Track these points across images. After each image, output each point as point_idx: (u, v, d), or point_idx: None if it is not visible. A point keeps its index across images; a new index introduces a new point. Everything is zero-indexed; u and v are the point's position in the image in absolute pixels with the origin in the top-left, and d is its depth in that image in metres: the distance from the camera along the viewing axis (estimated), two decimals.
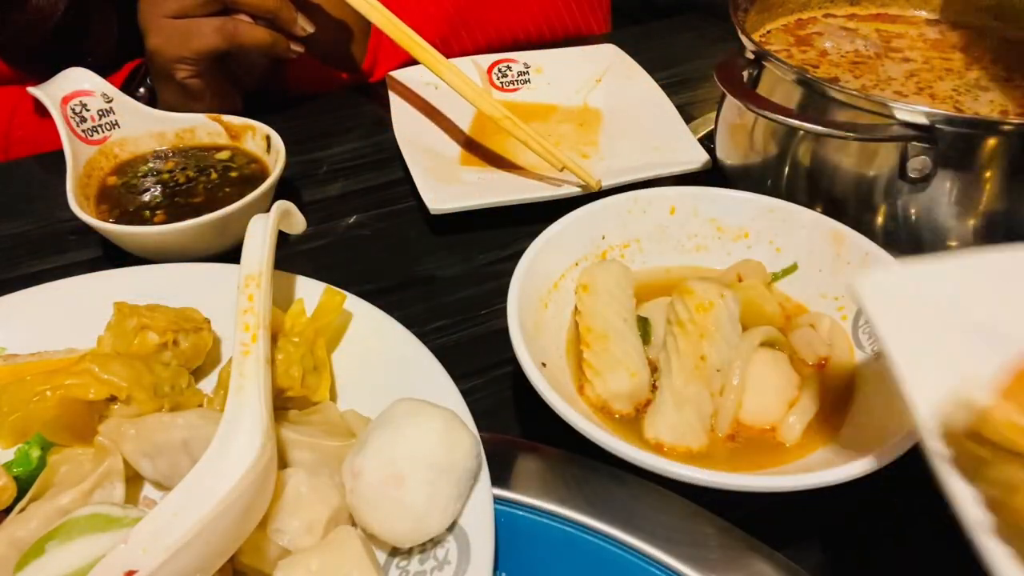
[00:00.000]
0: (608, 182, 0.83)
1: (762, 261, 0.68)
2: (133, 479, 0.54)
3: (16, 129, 1.00)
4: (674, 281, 0.64)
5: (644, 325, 0.63)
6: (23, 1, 0.92)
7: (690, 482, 0.48)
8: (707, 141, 0.93)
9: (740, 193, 0.70)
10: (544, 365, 0.56)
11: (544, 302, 0.63)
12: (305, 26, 0.92)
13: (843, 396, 0.59)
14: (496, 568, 0.49)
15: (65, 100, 0.81)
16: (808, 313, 0.66)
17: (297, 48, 0.94)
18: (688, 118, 0.97)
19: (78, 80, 0.83)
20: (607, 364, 0.59)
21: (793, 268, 0.68)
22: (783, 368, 0.60)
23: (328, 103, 1.07)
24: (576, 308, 0.63)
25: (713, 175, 0.85)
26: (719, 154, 0.85)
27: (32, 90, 0.83)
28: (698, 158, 0.86)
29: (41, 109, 0.84)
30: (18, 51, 0.98)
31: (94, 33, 0.99)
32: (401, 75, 1.01)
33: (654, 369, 0.61)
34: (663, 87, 0.99)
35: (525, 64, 1.06)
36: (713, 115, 0.91)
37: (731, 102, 0.81)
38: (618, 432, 0.56)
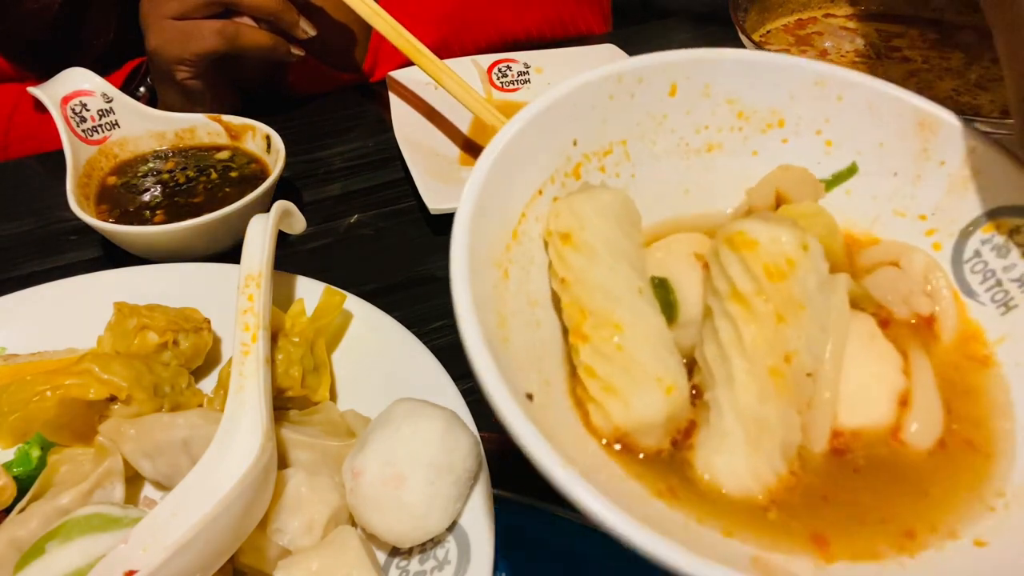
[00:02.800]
0: None
1: (806, 163, 0.48)
2: (133, 479, 0.54)
3: (16, 127, 1.00)
4: (681, 204, 0.45)
5: (664, 292, 0.42)
6: None
7: None
8: None
9: (774, 57, 0.48)
10: (530, 398, 0.36)
11: (502, 268, 0.40)
12: (307, 29, 0.92)
13: (973, 387, 0.40)
14: (496, 568, 0.49)
15: (65, 100, 0.81)
16: (881, 243, 0.45)
17: (297, 51, 0.94)
18: None
19: (78, 80, 0.83)
20: (625, 373, 0.38)
21: (852, 171, 0.48)
22: (881, 344, 0.40)
23: (328, 103, 1.07)
24: (552, 268, 0.42)
25: None
26: None
27: (32, 90, 0.83)
28: None
29: (41, 107, 0.84)
30: (17, 41, 0.98)
31: (93, 25, 1.00)
32: (401, 75, 1.01)
33: (689, 368, 0.41)
34: None
35: (525, 64, 1.07)
36: None
37: None
38: (645, 480, 0.37)
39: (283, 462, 0.53)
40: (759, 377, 0.36)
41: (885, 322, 0.42)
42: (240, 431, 0.50)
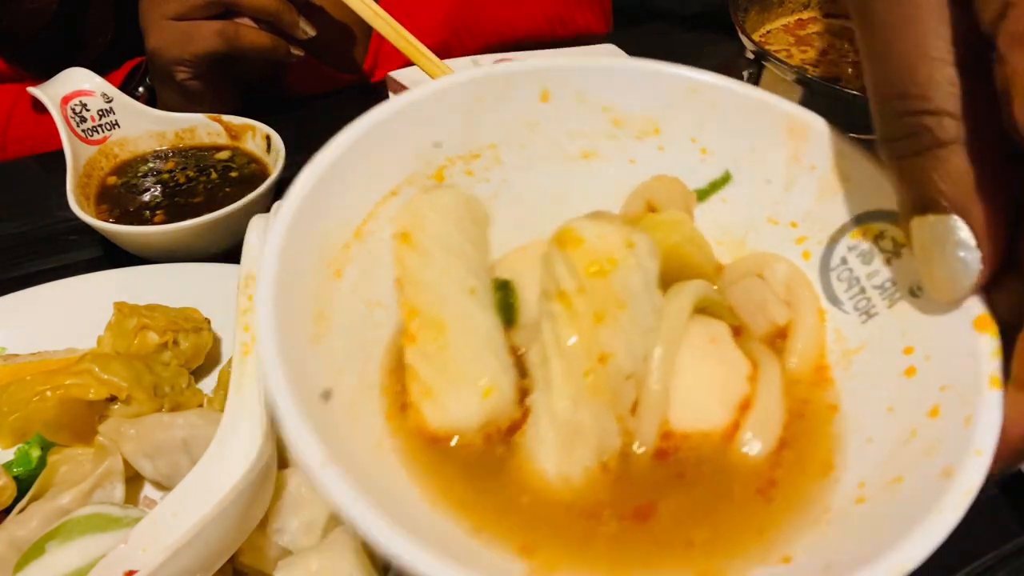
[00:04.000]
0: None
1: (681, 171, 0.47)
2: (133, 479, 0.54)
3: (14, 127, 1.00)
4: (562, 210, 0.43)
5: (505, 294, 0.41)
6: None
7: None
8: None
9: (645, 63, 0.47)
10: (327, 397, 0.34)
11: (334, 267, 0.39)
12: (307, 29, 0.92)
13: (817, 396, 0.39)
14: None
15: (65, 100, 0.81)
16: (750, 255, 0.44)
17: (297, 52, 0.94)
18: None
19: (78, 80, 0.83)
20: (442, 374, 0.37)
21: (726, 179, 0.47)
22: (725, 349, 0.39)
23: (328, 103, 1.07)
24: (396, 273, 0.40)
25: None
26: None
27: (32, 90, 0.83)
28: None
29: (38, 107, 0.84)
30: (16, 41, 0.98)
31: (92, 24, 1.00)
32: (401, 75, 1.01)
33: (523, 370, 0.38)
34: None
35: None
36: None
37: None
38: (461, 480, 0.35)
39: (283, 462, 0.53)
40: (575, 379, 0.35)
41: (741, 332, 0.41)
42: (240, 431, 0.50)
